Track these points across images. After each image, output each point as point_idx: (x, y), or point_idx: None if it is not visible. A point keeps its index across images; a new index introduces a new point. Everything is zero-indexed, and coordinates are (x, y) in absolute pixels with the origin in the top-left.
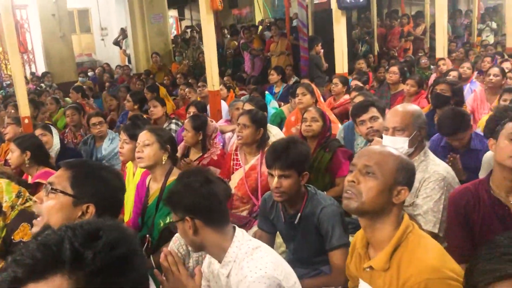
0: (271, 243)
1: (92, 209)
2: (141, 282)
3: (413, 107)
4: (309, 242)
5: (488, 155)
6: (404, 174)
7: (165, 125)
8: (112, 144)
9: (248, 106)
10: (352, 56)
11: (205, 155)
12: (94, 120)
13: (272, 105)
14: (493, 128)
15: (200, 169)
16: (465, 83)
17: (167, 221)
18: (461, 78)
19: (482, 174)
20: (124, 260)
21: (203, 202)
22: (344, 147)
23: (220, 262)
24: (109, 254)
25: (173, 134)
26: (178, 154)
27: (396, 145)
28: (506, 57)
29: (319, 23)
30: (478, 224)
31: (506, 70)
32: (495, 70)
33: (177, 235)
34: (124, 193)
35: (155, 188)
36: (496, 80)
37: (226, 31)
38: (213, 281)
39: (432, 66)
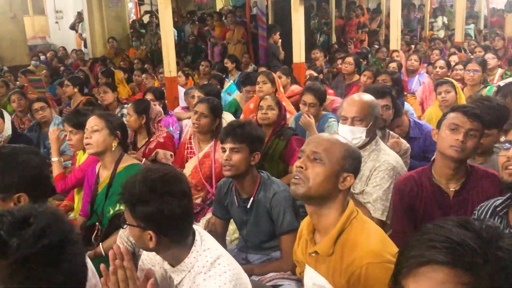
0: (225, 230)
1: (24, 198)
2: (76, 273)
3: (369, 97)
4: (261, 227)
5: None
6: (350, 162)
7: (117, 110)
8: None
9: (198, 94)
10: (311, 46)
11: (151, 139)
12: (36, 105)
13: (236, 95)
14: None
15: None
16: (413, 75)
17: (117, 208)
18: (402, 68)
19: None
20: (54, 249)
21: (174, 222)
22: (298, 135)
23: (172, 266)
24: (37, 242)
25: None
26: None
27: (356, 135)
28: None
29: (279, 12)
30: (421, 210)
31: (453, 63)
32: (441, 62)
33: None
34: (47, 167)
35: (105, 175)
36: (442, 72)
37: (188, 17)
38: (158, 269)
39: (387, 58)
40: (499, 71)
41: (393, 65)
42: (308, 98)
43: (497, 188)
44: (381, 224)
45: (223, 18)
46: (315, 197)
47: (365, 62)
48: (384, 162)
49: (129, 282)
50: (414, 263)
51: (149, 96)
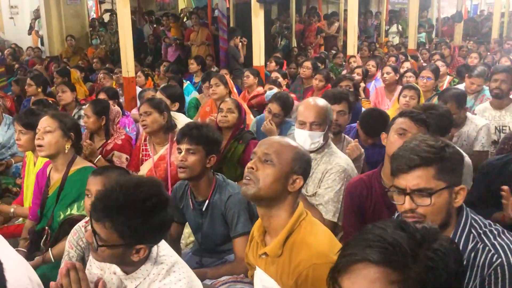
0: (180, 233)
1: None
2: None
3: (324, 102)
4: (216, 230)
5: None
6: (300, 164)
7: (75, 111)
8: (10, 130)
9: (159, 96)
10: (271, 50)
11: (109, 141)
12: None
13: (193, 96)
14: None
15: (153, 184)
16: (370, 80)
17: (68, 213)
18: (367, 75)
19: None
20: None
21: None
22: (257, 140)
23: (126, 273)
24: None
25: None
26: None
27: (314, 139)
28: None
29: (240, 15)
30: (370, 212)
31: (404, 70)
32: (387, 68)
33: (76, 227)
34: None
35: (56, 178)
36: (389, 77)
37: (145, 18)
38: (108, 274)
39: (344, 63)
40: (448, 78)
41: (358, 71)
42: (274, 108)
43: None
44: (333, 225)
45: (180, 19)
46: (265, 198)
47: (323, 67)
48: (335, 165)
49: (82, 284)
50: (349, 261)
51: (102, 96)
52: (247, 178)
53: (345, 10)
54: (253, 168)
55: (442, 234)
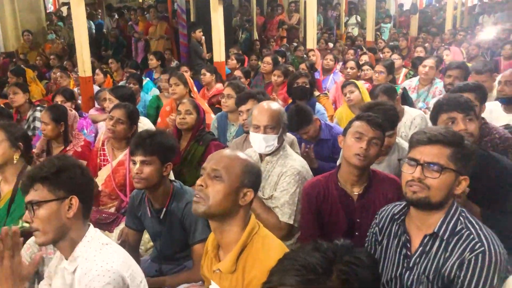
0: (138, 241)
1: None
2: None
3: (278, 105)
4: (174, 237)
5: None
6: (249, 177)
7: (29, 113)
8: None
9: (109, 97)
10: (233, 43)
11: (67, 148)
12: None
13: (153, 93)
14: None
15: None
16: (328, 74)
17: (20, 225)
18: (312, 68)
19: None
20: None
21: (89, 185)
22: (217, 140)
23: (67, 257)
24: None
25: (38, 123)
26: (37, 150)
27: (269, 142)
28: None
29: (201, 9)
30: (327, 213)
31: (362, 63)
32: (351, 63)
33: (29, 241)
34: None
35: (6, 190)
36: (352, 73)
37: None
38: (57, 280)
39: (305, 56)
40: (404, 71)
41: (302, 66)
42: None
43: (396, 192)
44: (289, 227)
45: (145, 12)
46: (217, 214)
47: (284, 60)
48: (290, 167)
49: (14, 249)
50: (271, 284)
51: (59, 98)
52: (197, 196)
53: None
54: (202, 186)
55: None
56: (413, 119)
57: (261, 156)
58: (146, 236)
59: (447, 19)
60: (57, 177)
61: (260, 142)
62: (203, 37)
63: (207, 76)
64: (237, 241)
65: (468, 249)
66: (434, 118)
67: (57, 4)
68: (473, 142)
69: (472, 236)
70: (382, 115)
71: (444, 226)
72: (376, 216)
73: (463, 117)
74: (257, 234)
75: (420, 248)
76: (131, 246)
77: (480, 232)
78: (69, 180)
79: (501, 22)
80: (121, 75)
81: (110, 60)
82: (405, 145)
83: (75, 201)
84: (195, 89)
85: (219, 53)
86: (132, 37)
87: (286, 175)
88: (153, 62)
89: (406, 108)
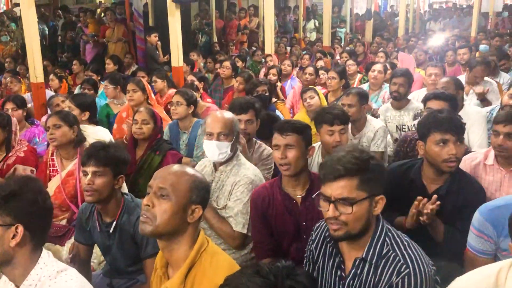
0: (90, 255)
1: None
2: None
3: (231, 114)
4: (125, 251)
5: None
6: (197, 193)
7: None
8: None
9: (69, 105)
10: (193, 47)
11: (10, 154)
12: None
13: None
14: None
15: (35, 179)
16: (286, 79)
17: None
18: (281, 74)
19: None
20: None
21: (43, 215)
22: (175, 150)
23: (18, 285)
24: None
25: None
26: None
27: (222, 149)
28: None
29: (159, 13)
30: (273, 218)
31: (318, 67)
32: (310, 69)
33: None
34: None
35: None
36: (310, 79)
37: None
38: None
39: (263, 60)
40: (358, 76)
41: (273, 71)
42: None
43: None
44: (243, 237)
45: (97, 15)
46: (164, 234)
47: (244, 65)
48: (243, 176)
49: None
50: None
51: (9, 106)
52: (143, 216)
53: None
54: (149, 205)
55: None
56: (376, 131)
57: (215, 166)
58: (97, 249)
59: (399, 25)
60: (6, 202)
61: (213, 150)
62: (159, 42)
63: (158, 83)
64: (186, 258)
65: (395, 272)
66: (423, 134)
67: (9, 3)
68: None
69: (398, 258)
70: (339, 118)
71: (372, 250)
72: (312, 232)
73: (455, 140)
74: (206, 251)
75: (353, 271)
76: (82, 261)
77: (405, 252)
78: (18, 207)
79: (449, 28)
80: (82, 79)
81: (74, 62)
82: (374, 120)
83: (20, 230)
84: (153, 96)
85: (177, 58)
86: (81, 39)
87: (239, 184)
88: (110, 66)
89: (369, 118)
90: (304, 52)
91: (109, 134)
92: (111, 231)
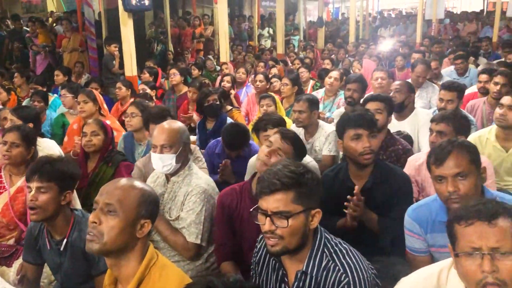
0: (39, 275)
1: None
2: None
3: (177, 124)
4: (76, 269)
5: (252, 160)
6: (146, 207)
7: None
8: None
9: (11, 117)
10: (148, 56)
11: None
12: None
13: (61, 110)
14: None
15: None
16: (241, 87)
17: None
18: (235, 81)
19: (247, 177)
20: None
21: None
22: (127, 161)
23: None
24: None
25: None
26: None
27: (165, 162)
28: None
29: (113, 21)
30: (239, 221)
31: (272, 75)
32: (260, 76)
33: None
34: None
35: None
36: (261, 86)
37: (8, 21)
38: None
39: (219, 68)
40: (311, 82)
41: (227, 79)
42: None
43: None
44: (197, 247)
45: (49, 24)
46: (112, 251)
47: (201, 73)
48: (196, 186)
49: None
50: None
51: None
52: (90, 233)
53: None
54: (95, 222)
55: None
56: (327, 135)
57: (167, 177)
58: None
59: (350, 32)
60: None
61: (157, 162)
62: (116, 52)
63: (122, 91)
64: (135, 274)
65: (336, 283)
66: (340, 131)
67: None
68: (376, 155)
69: (337, 267)
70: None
71: (311, 263)
72: (256, 244)
73: (368, 134)
74: (155, 265)
75: (296, 283)
76: (31, 281)
77: (344, 261)
78: None
79: (397, 35)
80: (26, 91)
81: (15, 75)
82: (326, 125)
83: None
84: (105, 106)
85: (130, 67)
86: (30, 49)
87: (191, 194)
88: (59, 78)
89: (321, 123)
90: (258, 59)
91: (57, 146)
92: (61, 248)
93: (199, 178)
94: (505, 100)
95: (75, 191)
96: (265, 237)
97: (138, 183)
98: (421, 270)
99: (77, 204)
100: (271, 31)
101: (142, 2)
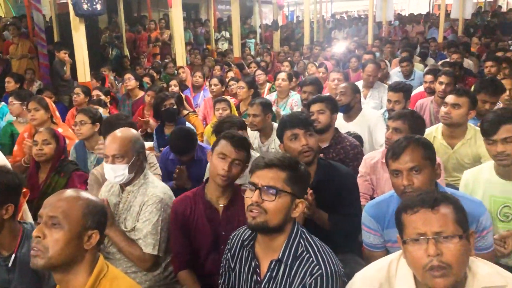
0: None
1: None
2: None
3: (131, 132)
4: (26, 285)
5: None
6: (93, 218)
7: None
8: None
9: None
10: (103, 61)
11: None
12: None
13: (9, 119)
14: None
15: None
16: (199, 91)
17: None
18: (182, 85)
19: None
20: None
21: None
22: (80, 170)
23: None
24: None
25: None
26: None
27: (118, 172)
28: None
29: (65, 26)
30: (193, 228)
31: (228, 79)
32: (214, 80)
33: None
34: None
35: None
36: (216, 89)
37: None
38: None
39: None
40: (267, 85)
41: (173, 82)
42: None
43: None
44: (154, 258)
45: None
46: (59, 265)
47: (158, 77)
48: (152, 195)
49: None
50: None
51: None
52: (34, 249)
53: None
54: (39, 237)
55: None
56: None
57: (122, 186)
58: None
59: (304, 34)
60: None
61: (109, 173)
62: (68, 58)
63: (81, 97)
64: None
65: (308, 273)
66: (279, 135)
67: None
68: (315, 153)
69: (311, 259)
70: (236, 125)
71: (287, 251)
72: (229, 241)
73: (304, 132)
74: (105, 277)
75: (268, 274)
76: None
77: (318, 253)
78: None
79: (350, 37)
80: None
81: None
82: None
83: None
84: (57, 114)
85: (83, 73)
86: None
87: (147, 204)
88: (10, 85)
89: (275, 125)
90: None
91: (2, 156)
92: (10, 265)
93: (155, 187)
94: (449, 98)
95: (25, 203)
96: (249, 210)
97: (83, 194)
98: (373, 264)
99: (28, 217)
100: (227, 34)
101: (94, 6)
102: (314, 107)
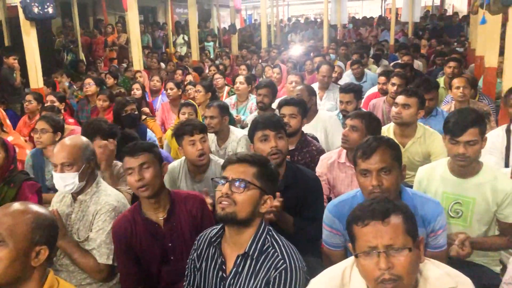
0: None
1: None
2: None
3: (80, 139)
4: None
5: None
6: (41, 232)
7: None
8: None
9: None
10: (58, 66)
11: None
12: None
13: None
14: None
15: None
16: (157, 95)
17: None
18: (144, 89)
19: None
20: None
21: None
22: (32, 180)
23: None
24: None
25: None
26: None
27: (67, 181)
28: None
29: (16, 32)
30: (138, 246)
31: (187, 82)
32: (170, 84)
33: None
34: None
35: None
36: (172, 93)
37: None
38: None
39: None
40: (226, 88)
41: (136, 86)
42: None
43: (200, 207)
44: (109, 268)
45: None
46: (3, 285)
47: (116, 82)
48: (105, 204)
49: None
50: None
51: None
52: None
53: None
54: None
55: None
56: (238, 140)
57: (74, 196)
58: None
59: (262, 38)
60: None
61: (58, 182)
62: (16, 64)
63: (33, 104)
64: None
65: (272, 267)
66: (250, 135)
67: None
68: (284, 155)
69: (276, 254)
70: (198, 128)
71: (254, 245)
72: (195, 242)
73: (275, 134)
74: None
75: (234, 269)
76: None
77: (283, 249)
78: None
79: (306, 40)
80: None
81: None
82: (236, 130)
83: None
84: (8, 122)
85: (35, 79)
86: None
87: (100, 213)
88: None
89: (232, 128)
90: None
91: None
92: None
93: (108, 195)
94: (399, 99)
95: None
96: (219, 202)
97: (31, 207)
98: (327, 271)
99: None
100: (186, 37)
101: (46, 10)
102: (286, 110)
